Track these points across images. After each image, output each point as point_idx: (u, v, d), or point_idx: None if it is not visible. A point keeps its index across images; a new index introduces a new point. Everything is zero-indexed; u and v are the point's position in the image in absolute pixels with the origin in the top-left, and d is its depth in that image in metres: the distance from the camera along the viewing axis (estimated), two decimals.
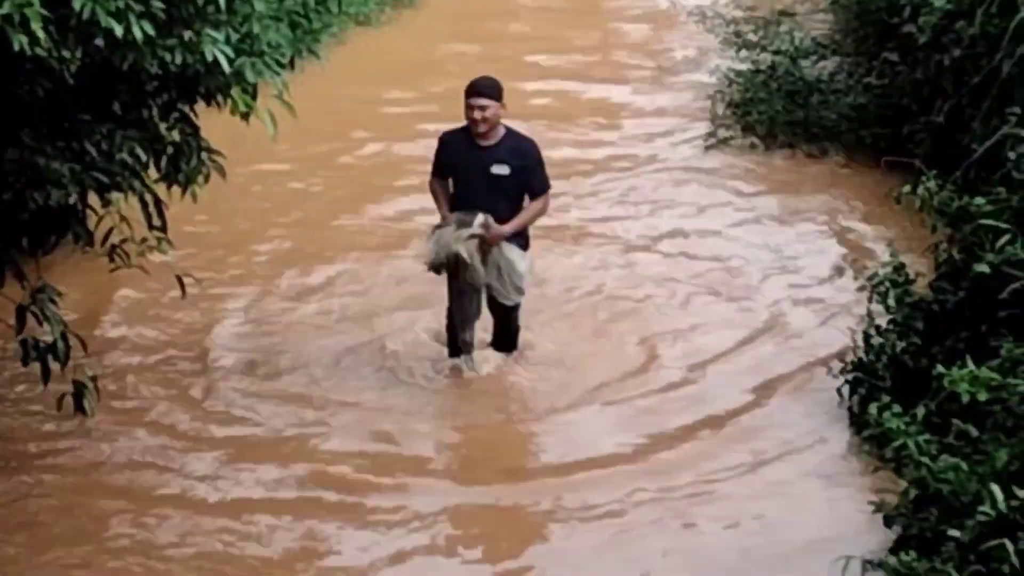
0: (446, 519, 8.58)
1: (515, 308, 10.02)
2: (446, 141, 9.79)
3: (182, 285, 9.08)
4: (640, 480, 8.88)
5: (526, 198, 9.72)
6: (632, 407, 9.77)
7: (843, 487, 8.90)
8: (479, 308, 9.94)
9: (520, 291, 9.85)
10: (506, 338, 10.18)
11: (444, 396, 9.96)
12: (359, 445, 9.26)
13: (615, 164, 14.28)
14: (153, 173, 8.52)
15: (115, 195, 8.37)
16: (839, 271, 10.57)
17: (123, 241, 8.69)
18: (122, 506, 8.67)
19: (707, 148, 14.48)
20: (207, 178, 8.57)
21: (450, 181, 9.80)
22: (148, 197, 8.61)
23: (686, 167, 14.12)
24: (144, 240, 8.70)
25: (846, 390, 9.60)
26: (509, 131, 9.67)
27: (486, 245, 9.55)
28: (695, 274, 11.73)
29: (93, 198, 8.46)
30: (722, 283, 11.58)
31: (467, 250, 9.48)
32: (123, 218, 8.70)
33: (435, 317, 10.41)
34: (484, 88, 9.52)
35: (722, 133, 14.70)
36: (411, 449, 9.23)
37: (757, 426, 9.57)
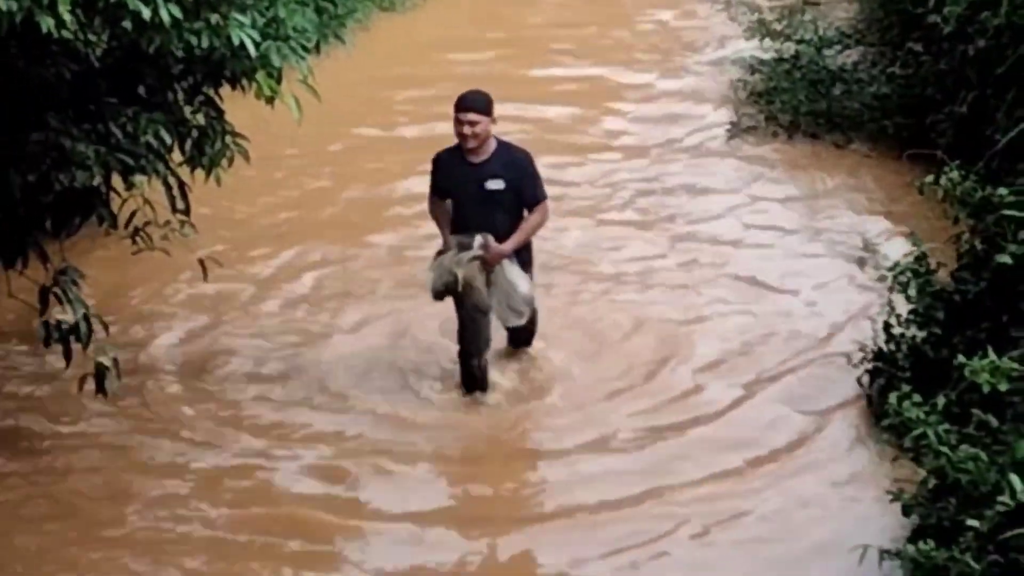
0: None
1: (530, 322, 9.79)
2: (440, 161, 9.53)
3: (204, 269, 9.10)
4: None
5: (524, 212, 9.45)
6: (646, 403, 9.75)
7: (861, 480, 8.93)
8: (490, 332, 9.64)
9: (519, 314, 9.49)
10: (521, 339, 10.07)
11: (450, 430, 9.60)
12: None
13: (633, 152, 14.26)
14: (177, 156, 8.55)
15: (139, 178, 8.40)
16: (860, 261, 10.54)
17: (146, 224, 8.73)
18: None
19: (729, 137, 14.46)
20: (231, 161, 8.60)
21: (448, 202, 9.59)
22: (172, 180, 8.63)
23: (707, 157, 14.11)
24: (167, 223, 8.73)
25: (866, 379, 9.61)
26: (500, 144, 9.39)
27: (488, 266, 9.32)
28: (710, 264, 11.75)
29: (117, 181, 8.48)
30: (739, 273, 11.58)
31: (467, 273, 9.26)
32: (146, 201, 8.74)
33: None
34: (473, 102, 9.24)
35: (745, 122, 14.68)
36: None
37: (772, 417, 9.59)
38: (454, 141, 9.38)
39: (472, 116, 9.18)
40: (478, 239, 9.27)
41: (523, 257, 9.50)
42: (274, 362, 10.30)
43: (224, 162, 8.57)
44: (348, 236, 12.28)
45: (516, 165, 9.35)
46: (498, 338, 9.90)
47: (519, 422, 9.56)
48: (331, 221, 12.72)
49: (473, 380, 9.68)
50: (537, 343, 10.18)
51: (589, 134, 14.70)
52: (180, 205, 8.74)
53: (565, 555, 8.22)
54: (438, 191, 9.56)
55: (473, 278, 9.29)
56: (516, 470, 9.12)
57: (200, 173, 8.64)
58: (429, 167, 9.62)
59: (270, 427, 9.46)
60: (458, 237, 9.38)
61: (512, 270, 9.39)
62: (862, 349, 9.73)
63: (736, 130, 14.55)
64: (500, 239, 9.30)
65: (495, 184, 9.27)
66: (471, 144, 9.22)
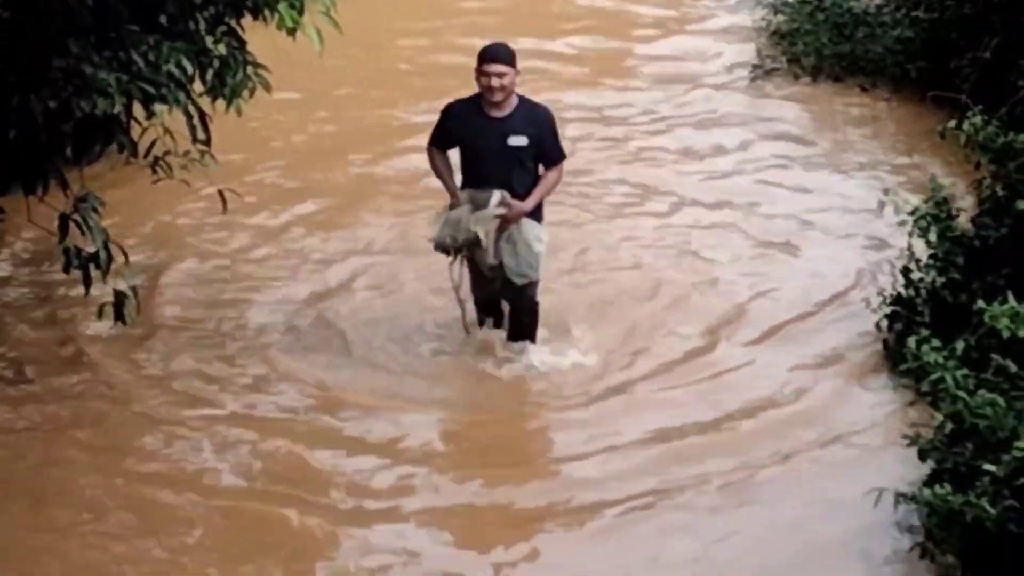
0: (450, 516, 8.38)
1: (532, 286, 9.41)
2: (454, 111, 9.26)
3: (223, 200, 9.09)
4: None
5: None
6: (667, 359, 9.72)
7: (877, 424, 8.94)
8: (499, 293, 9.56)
9: (533, 268, 9.26)
10: (522, 325, 9.60)
11: (462, 382, 9.62)
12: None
13: (653, 88, 14.17)
14: (199, 87, 8.52)
15: (160, 107, 8.34)
16: (881, 204, 10.52)
17: (166, 154, 8.70)
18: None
19: (752, 79, 14.38)
20: (252, 92, 8.55)
21: (453, 155, 9.35)
22: (193, 110, 8.60)
23: (728, 99, 14.01)
24: (187, 153, 8.70)
25: (884, 324, 9.60)
26: (522, 99, 9.16)
27: (506, 224, 9.11)
28: (727, 209, 11.72)
29: (138, 109, 8.46)
30: (757, 217, 11.60)
31: (485, 231, 9.04)
32: (167, 131, 8.70)
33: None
34: (501, 54, 8.99)
35: (768, 64, 14.60)
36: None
37: (789, 363, 9.62)
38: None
39: (499, 67, 8.95)
40: (496, 196, 9.05)
41: (537, 215, 9.28)
42: (287, 306, 10.33)
43: (245, 93, 8.53)
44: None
45: (539, 121, 9.12)
46: None
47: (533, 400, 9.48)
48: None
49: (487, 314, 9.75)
50: (542, 333, 9.76)
51: (607, 69, 14.62)
52: (201, 135, 8.71)
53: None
54: (445, 142, 9.30)
55: (488, 235, 9.07)
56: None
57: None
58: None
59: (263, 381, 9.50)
60: (470, 191, 9.17)
61: (530, 228, 9.20)
62: (880, 294, 9.72)
63: (759, 72, 14.47)
64: (516, 196, 9.09)
65: (518, 140, 9.04)
66: (498, 97, 8.98)
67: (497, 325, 9.78)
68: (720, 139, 13.09)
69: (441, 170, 9.33)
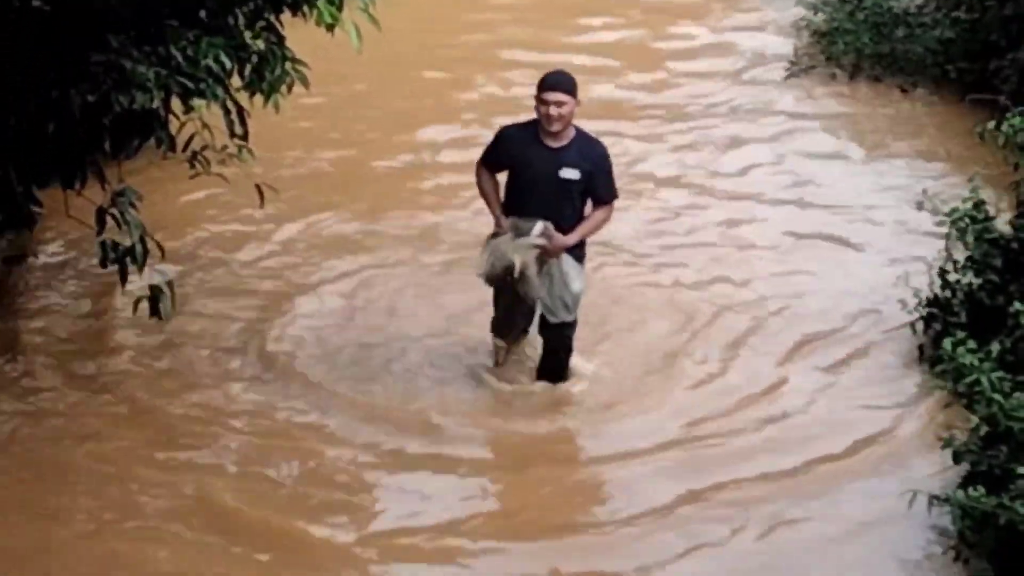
0: None
1: (569, 327, 9.17)
2: (508, 136, 8.98)
3: (261, 195, 9.11)
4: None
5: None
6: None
7: (911, 425, 8.92)
8: (529, 321, 9.31)
9: (569, 309, 9.02)
10: (555, 365, 9.33)
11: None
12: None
13: (692, 98, 14.04)
14: (237, 81, 8.54)
15: (198, 101, 8.38)
16: (919, 206, 10.48)
17: (204, 148, 8.73)
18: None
19: (788, 76, 14.35)
20: (290, 88, 8.58)
21: (501, 180, 9.07)
22: (231, 105, 8.63)
23: (765, 98, 13.97)
24: (225, 148, 8.73)
25: (920, 326, 9.58)
26: (579, 132, 8.87)
27: (545, 256, 8.82)
28: (765, 219, 11.62)
29: (176, 104, 8.49)
30: (792, 217, 11.56)
31: (523, 261, 8.73)
32: (205, 125, 8.73)
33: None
34: (561, 83, 8.73)
35: (805, 62, 14.56)
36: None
37: (825, 363, 9.61)
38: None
39: (559, 96, 8.67)
40: (538, 226, 8.75)
41: (577, 253, 9.00)
42: (329, 299, 10.35)
43: (283, 88, 8.55)
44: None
45: (595, 158, 8.84)
46: None
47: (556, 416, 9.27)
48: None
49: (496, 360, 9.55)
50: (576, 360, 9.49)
51: (644, 60, 14.62)
52: (238, 130, 8.73)
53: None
54: (495, 164, 9.03)
55: (528, 266, 8.77)
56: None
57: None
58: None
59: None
60: (515, 220, 8.85)
61: (568, 263, 8.93)
62: (916, 295, 9.69)
63: (796, 69, 14.44)
64: (561, 230, 8.80)
65: (570, 173, 8.75)
66: (556, 127, 8.70)
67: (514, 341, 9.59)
68: (755, 135, 13.07)
69: (488, 192, 9.05)
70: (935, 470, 8.23)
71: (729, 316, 10.15)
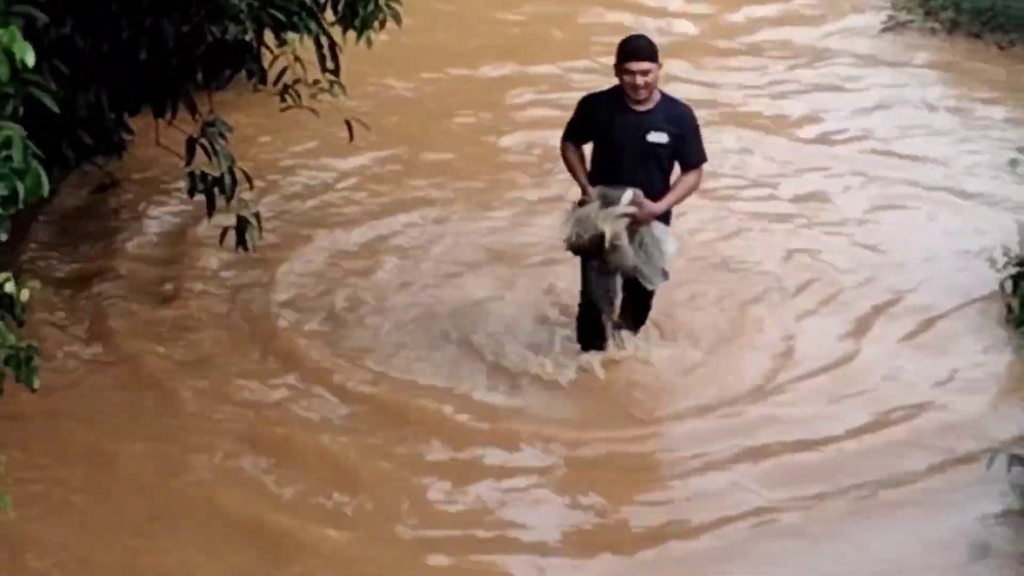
0: None
1: (654, 292, 9.04)
2: (593, 103, 8.74)
3: (350, 129, 9.11)
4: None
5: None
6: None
7: (997, 384, 8.86)
8: (619, 290, 8.96)
9: (666, 275, 8.82)
10: (642, 313, 9.16)
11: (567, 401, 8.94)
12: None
13: (779, 51, 13.93)
14: (330, 16, 8.55)
15: (291, 35, 8.39)
16: (1013, 163, 10.38)
17: (296, 82, 8.72)
18: None
19: (883, 30, 14.19)
20: (383, 24, 8.57)
21: (587, 149, 8.82)
22: (323, 39, 8.63)
23: (858, 54, 13.83)
24: (317, 82, 8.72)
25: (1008, 284, 9.50)
26: (664, 96, 8.64)
27: (635, 224, 8.56)
28: (854, 163, 11.56)
29: (269, 37, 8.52)
30: (885, 174, 11.44)
31: (614, 230, 8.46)
32: (297, 59, 8.73)
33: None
34: (645, 50, 8.48)
35: (902, 17, 14.40)
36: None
37: (913, 321, 9.51)
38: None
39: (644, 64, 8.43)
40: (628, 194, 8.48)
41: (665, 218, 8.79)
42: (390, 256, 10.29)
43: (376, 24, 8.54)
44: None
45: (682, 120, 8.65)
46: None
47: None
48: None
49: (593, 338, 9.11)
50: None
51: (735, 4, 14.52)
52: (330, 65, 8.74)
53: None
54: (582, 135, 8.81)
55: (619, 235, 8.51)
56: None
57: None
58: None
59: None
60: (601, 188, 8.59)
61: (659, 228, 8.69)
62: (1006, 253, 9.60)
63: (893, 23, 14.28)
64: (649, 197, 8.56)
65: (658, 136, 8.54)
66: (642, 95, 8.48)
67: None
68: (851, 88, 12.98)
69: (575, 164, 8.79)
70: (1017, 432, 8.18)
71: (815, 267, 10.09)
